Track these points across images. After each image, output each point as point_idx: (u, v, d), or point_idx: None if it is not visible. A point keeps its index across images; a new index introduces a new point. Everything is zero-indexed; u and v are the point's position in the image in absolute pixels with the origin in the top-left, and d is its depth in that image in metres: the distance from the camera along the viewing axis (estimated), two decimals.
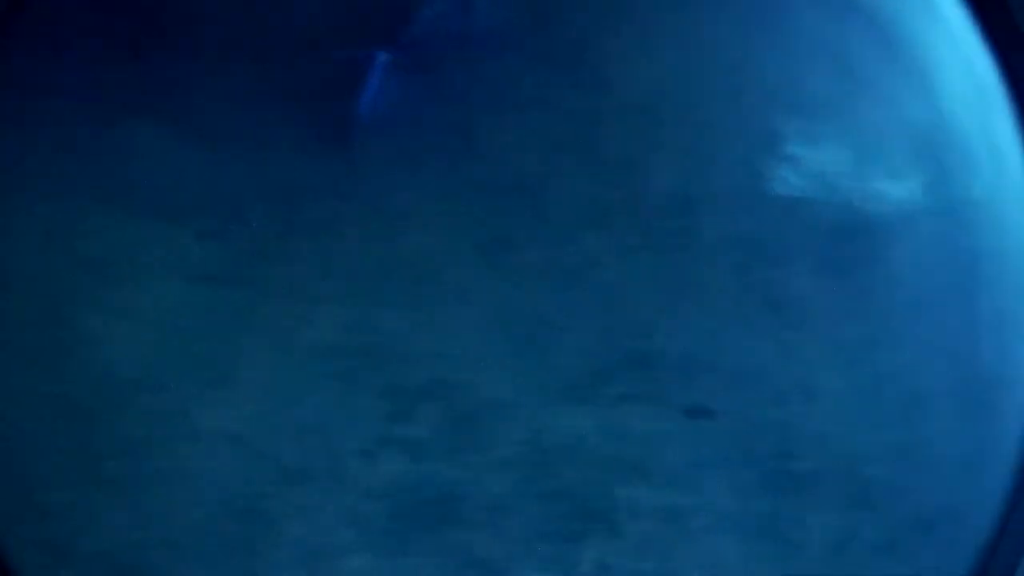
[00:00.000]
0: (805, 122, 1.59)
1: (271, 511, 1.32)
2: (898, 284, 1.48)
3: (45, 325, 1.35)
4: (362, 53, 1.49)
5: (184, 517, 1.30)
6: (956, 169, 1.53)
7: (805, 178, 1.55)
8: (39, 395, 1.33)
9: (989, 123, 1.56)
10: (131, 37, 1.47)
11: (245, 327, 1.34)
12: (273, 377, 1.34)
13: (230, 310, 1.36)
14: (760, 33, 1.57)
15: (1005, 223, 1.53)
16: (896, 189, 1.55)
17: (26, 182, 1.43)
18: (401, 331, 1.34)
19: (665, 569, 1.28)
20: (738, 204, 1.53)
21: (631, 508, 1.30)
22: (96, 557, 1.35)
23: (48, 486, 1.32)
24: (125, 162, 1.42)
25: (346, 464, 1.25)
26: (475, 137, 1.54)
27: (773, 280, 1.43)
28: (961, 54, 1.49)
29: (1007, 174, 1.58)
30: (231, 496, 1.31)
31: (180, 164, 1.41)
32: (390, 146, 1.48)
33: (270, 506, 1.32)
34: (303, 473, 1.29)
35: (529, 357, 1.36)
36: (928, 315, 1.47)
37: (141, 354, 1.34)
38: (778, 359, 1.38)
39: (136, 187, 1.40)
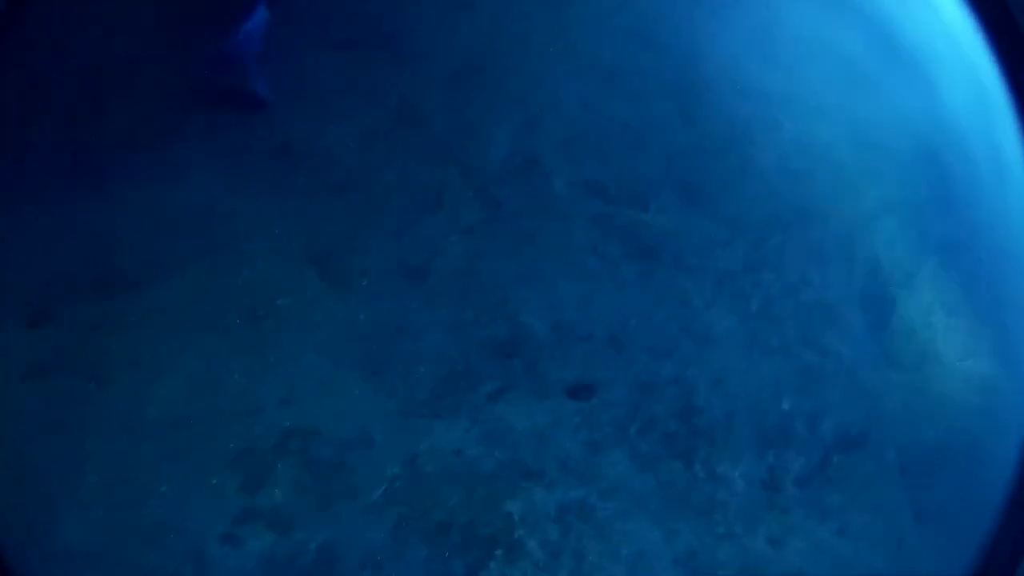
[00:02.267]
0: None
1: None
2: (765, 198, 1.38)
3: None
4: None
5: None
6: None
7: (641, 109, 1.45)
8: None
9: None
10: None
11: (84, 420, 1.20)
12: (120, 472, 1.19)
13: (66, 403, 1.22)
14: None
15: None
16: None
17: None
18: (243, 384, 1.21)
19: (582, 573, 1.14)
20: (585, 149, 1.42)
21: (528, 519, 1.16)
22: None
23: None
24: None
25: (209, 556, 1.09)
26: (290, 142, 1.42)
27: (637, 223, 1.29)
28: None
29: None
30: None
31: None
32: (210, 174, 1.36)
33: None
34: None
35: (385, 376, 1.23)
36: (806, 224, 1.37)
37: None
38: (658, 309, 1.25)
39: None
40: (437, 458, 1.16)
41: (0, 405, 1.21)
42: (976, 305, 1.40)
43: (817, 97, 1.55)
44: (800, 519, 1.20)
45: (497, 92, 1.34)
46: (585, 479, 1.17)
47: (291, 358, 1.22)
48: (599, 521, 1.15)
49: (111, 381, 1.20)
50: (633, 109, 1.37)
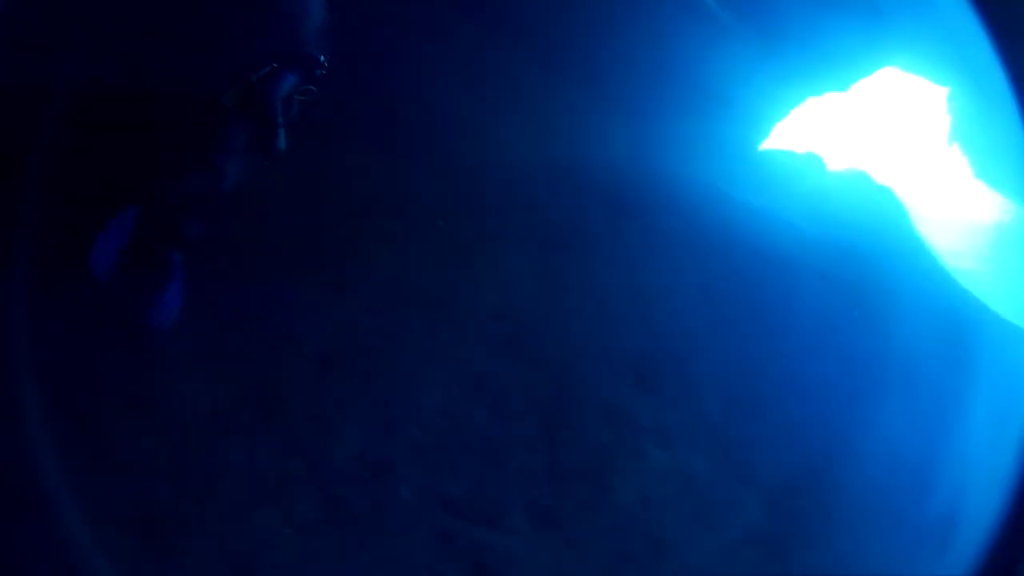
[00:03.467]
0: None
1: None
2: None
3: None
4: None
5: None
6: None
7: None
8: None
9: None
10: None
11: None
12: None
13: None
14: None
15: None
16: None
17: None
18: None
19: None
20: (440, 459, 1.39)
21: None
22: None
23: None
24: None
25: None
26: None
27: (482, 545, 1.24)
28: None
29: None
30: None
31: None
32: None
33: None
34: None
35: None
36: None
37: None
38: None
39: None
40: None
41: None
42: None
43: (690, 425, 1.54)
44: None
45: (359, 388, 1.31)
46: None
47: None
48: None
49: None
50: (496, 423, 1.34)
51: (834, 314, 1.92)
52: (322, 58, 1.70)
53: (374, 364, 1.41)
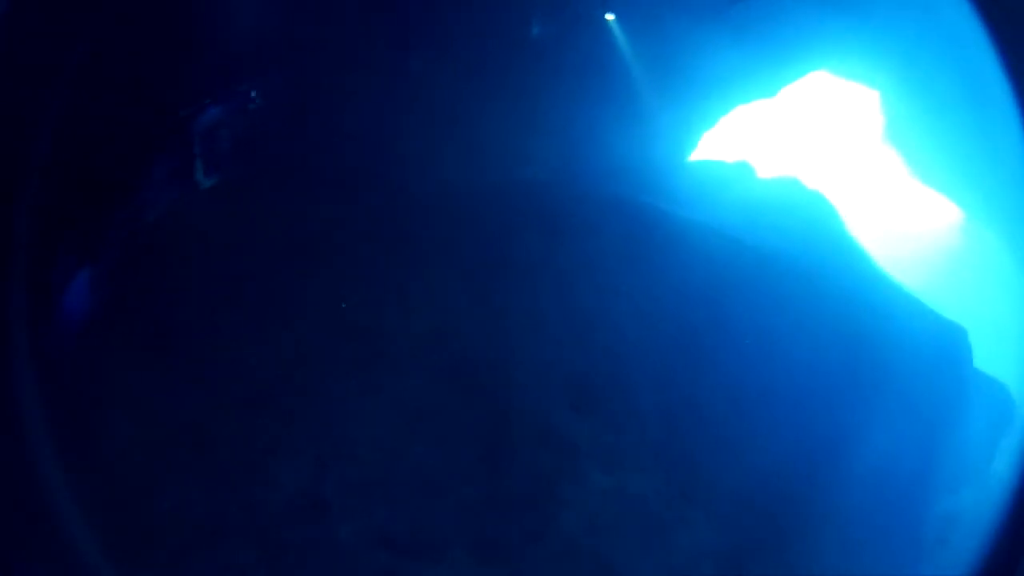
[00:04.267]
0: None
1: None
2: None
3: None
4: None
5: None
6: None
7: None
8: None
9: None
10: None
11: None
12: None
13: None
14: None
15: None
16: None
17: None
18: None
19: None
20: (378, 495, 1.36)
21: None
22: None
23: None
24: None
25: None
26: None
27: None
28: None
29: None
30: None
31: None
32: None
33: None
34: None
35: None
36: None
37: None
38: None
39: None
40: None
41: None
42: None
43: (632, 447, 1.53)
44: None
45: (290, 427, 1.27)
46: None
47: None
48: None
49: None
50: (435, 455, 1.31)
51: (774, 325, 1.91)
52: (252, 92, 1.65)
53: (305, 401, 1.37)
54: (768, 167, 2.60)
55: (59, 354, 1.34)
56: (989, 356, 2.06)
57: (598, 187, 1.75)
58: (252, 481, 1.32)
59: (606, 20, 1.93)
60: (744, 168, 2.37)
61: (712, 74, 2.20)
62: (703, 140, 2.35)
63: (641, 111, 1.96)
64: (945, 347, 2.11)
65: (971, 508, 1.44)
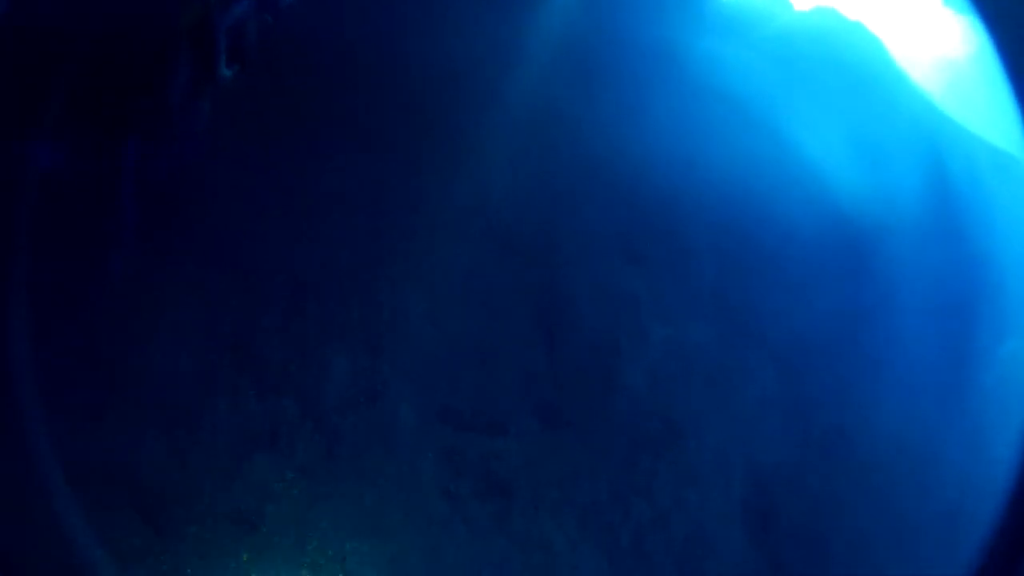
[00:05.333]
0: None
1: None
2: None
3: None
4: None
5: None
6: None
7: None
8: None
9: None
10: None
11: None
12: None
13: None
14: None
15: None
16: None
17: None
18: None
19: None
20: (434, 373, 1.32)
21: None
22: None
23: None
24: None
25: None
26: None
27: (491, 454, 1.19)
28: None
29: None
30: None
31: None
32: None
33: None
34: None
35: None
36: None
37: None
38: (515, 557, 1.13)
39: None
40: None
41: None
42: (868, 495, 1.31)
43: (689, 296, 1.46)
44: None
45: (339, 312, 1.22)
46: None
47: None
48: None
49: None
50: (487, 324, 1.26)
51: (819, 168, 1.83)
52: None
53: (352, 283, 1.31)
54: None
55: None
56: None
57: (636, 30, 1.61)
58: (308, 374, 1.29)
59: None
60: (780, 1, 2.16)
61: None
62: None
63: None
64: (1006, 172, 1.96)
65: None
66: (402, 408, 1.21)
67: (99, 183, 1.34)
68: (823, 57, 2.49)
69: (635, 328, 1.38)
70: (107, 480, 1.18)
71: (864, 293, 1.68)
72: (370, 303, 1.28)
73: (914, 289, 1.89)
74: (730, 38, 1.99)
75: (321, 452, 1.18)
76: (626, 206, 1.47)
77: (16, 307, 1.15)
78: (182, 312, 1.30)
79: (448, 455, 1.16)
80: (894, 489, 1.42)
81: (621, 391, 1.30)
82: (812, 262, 1.88)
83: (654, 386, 1.33)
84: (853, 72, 2.45)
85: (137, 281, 1.30)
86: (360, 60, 1.52)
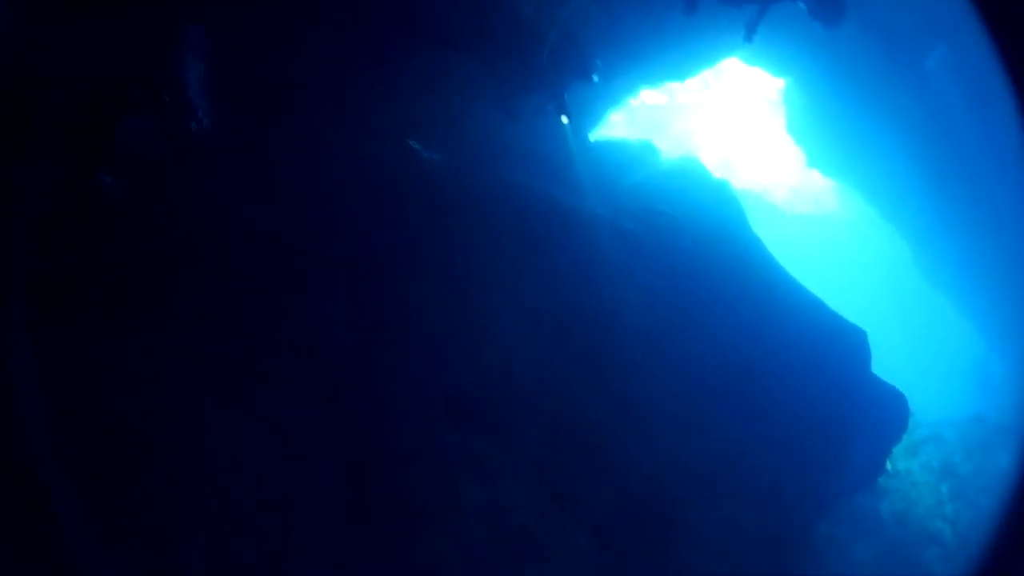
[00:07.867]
0: None
1: None
2: None
3: None
4: None
5: None
6: None
7: None
8: None
9: None
10: None
11: None
12: None
13: None
14: None
15: None
16: None
17: None
18: None
19: None
20: None
21: None
22: None
23: None
24: None
25: None
26: None
27: None
28: None
29: None
30: None
31: None
32: None
33: None
34: None
35: None
36: None
37: None
38: None
39: None
40: None
41: None
42: None
43: (508, 459, 1.47)
44: None
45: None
46: None
47: None
48: None
49: None
50: (299, 473, 1.24)
51: (663, 326, 1.87)
52: None
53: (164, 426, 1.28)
54: (671, 150, 2.48)
55: None
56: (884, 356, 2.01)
57: (485, 174, 1.65)
58: None
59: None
60: (647, 148, 2.28)
61: (622, 54, 2.09)
62: (607, 119, 2.28)
63: (541, 92, 1.85)
64: (845, 348, 2.05)
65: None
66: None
67: None
68: (682, 211, 2.58)
69: (446, 488, 1.37)
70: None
71: (689, 457, 1.71)
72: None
73: (743, 467, 1.92)
74: (592, 191, 2.05)
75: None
76: (459, 366, 1.48)
77: None
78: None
79: None
80: None
81: (422, 551, 1.28)
82: (641, 427, 1.90)
83: (458, 548, 1.32)
84: (709, 229, 2.54)
85: None
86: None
